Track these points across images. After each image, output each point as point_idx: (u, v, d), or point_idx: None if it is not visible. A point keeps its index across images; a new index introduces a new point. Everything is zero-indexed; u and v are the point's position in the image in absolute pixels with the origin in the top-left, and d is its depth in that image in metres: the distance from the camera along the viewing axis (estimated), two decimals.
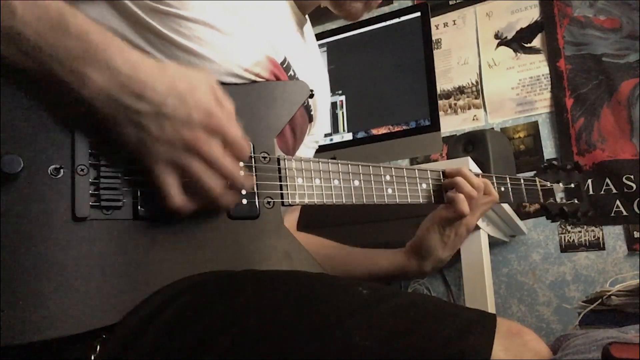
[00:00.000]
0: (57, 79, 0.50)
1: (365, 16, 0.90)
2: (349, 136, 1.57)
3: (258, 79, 0.69)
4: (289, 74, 0.76)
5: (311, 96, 0.74)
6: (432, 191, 0.81)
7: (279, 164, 0.65)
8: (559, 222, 1.89)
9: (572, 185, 1.01)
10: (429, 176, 0.80)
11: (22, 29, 0.48)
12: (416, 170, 0.79)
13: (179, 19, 0.63)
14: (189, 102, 0.53)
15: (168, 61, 0.62)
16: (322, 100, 0.91)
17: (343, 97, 1.59)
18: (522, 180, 0.88)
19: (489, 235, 1.39)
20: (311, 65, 0.87)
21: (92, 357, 0.49)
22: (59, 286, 0.48)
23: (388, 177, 0.75)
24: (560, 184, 1.00)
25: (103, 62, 0.50)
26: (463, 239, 0.83)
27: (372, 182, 0.73)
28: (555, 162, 1.01)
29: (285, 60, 0.75)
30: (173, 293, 0.53)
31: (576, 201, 1.00)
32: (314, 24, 0.93)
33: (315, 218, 0.96)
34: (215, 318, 0.50)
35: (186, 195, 0.55)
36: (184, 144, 0.53)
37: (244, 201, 0.62)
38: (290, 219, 0.95)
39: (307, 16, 0.88)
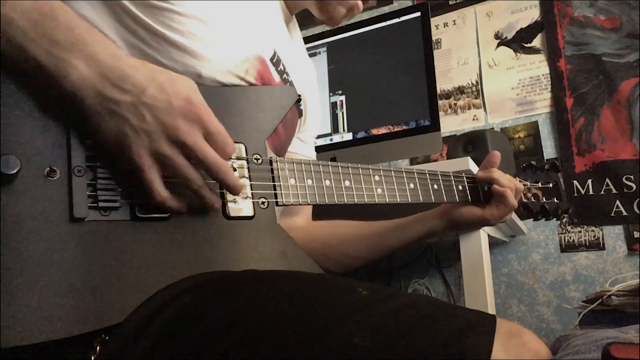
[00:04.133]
0: (40, 67, 0.50)
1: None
2: (349, 136, 1.57)
3: (246, 77, 0.70)
4: (278, 69, 0.77)
5: (298, 101, 0.76)
6: (420, 191, 0.82)
7: (271, 165, 0.66)
8: (558, 223, 1.89)
9: (551, 185, 1.03)
10: (415, 176, 0.82)
11: (13, 15, 0.48)
12: (403, 171, 0.80)
13: (171, 14, 0.63)
14: (169, 90, 0.53)
15: (159, 58, 0.63)
16: (311, 96, 0.93)
17: (343, 97, 1.59)
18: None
19: (489, 235, 1.39)
20: (299, 62, 0.88)
21: (92, 358, 0.49)
22: (57, 288, 0.48)
23: (377, 178, 0.76)
24: (539, 184, 1.01)
25: (88, 53, 0.51)
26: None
27: (362, 182, 0.74)
28: (533, 162, 1.03)
29: (275, 54, 0.77)
30: (173, 293, 0.53)
31: (555, 200, 1.02)
32: (313, 24, 0.93)
33: (324, 215, 0.97)
34: (216, 319, 0.50)
35: (171, 191, 0.55)
36: (165, 133, 0.52)
37: (239, 201, 0.62)
38: (305, 212, 0.96)
39: (294, 16, 0.90)
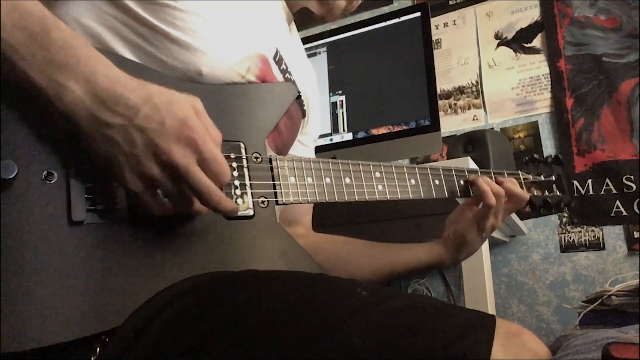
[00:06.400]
0: (34, 87, 0.49)
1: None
2: (349, 136, 1.57)
3: (248, 75, 0.69)
4: (281, 68, 0.77)
5: (298, 97, 0.74)
6: (421, 187, 0.81)
7: (271, 164, 0.66)
8: (558, 223, 1.89)
9: (554, 178, 1.02)
10: (417, 171, 0.81)
11: (3, 36, 0.47)
12: (404, 167, 0.79)
13: (172, 10, 0.63)
14: (163, 112, 0.51)
15: (159, 55, 0.63)
16: (313, 98, 0.92)
17: (343, 97, 1.59)
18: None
19: None
20: (300, 62, 0.88)
21: (92, 359, 0.49)
22: (57, 291, 0.48)
23: (378, 174, 0.75)
24: (542, 177, 1.01)
25: (83, 74, 0.49)
26: (490, 234, 0.90)
27: (363, 179, 0.74)
28: (536, 156, 1.02)
29: (277, 53, 0.76)
30: (173, 294, 0.53)
31: (558, 193, 1.02)
32: (312, 24, 0.93)
33: (326, 217, 0.96)
34: (215, 319, 0.50)
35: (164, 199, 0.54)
36: (155, 156, 0.51)
37: (239, 201, 0.62)
38: (305, 221, 0.95)
39: (292, 17, 0.89)
